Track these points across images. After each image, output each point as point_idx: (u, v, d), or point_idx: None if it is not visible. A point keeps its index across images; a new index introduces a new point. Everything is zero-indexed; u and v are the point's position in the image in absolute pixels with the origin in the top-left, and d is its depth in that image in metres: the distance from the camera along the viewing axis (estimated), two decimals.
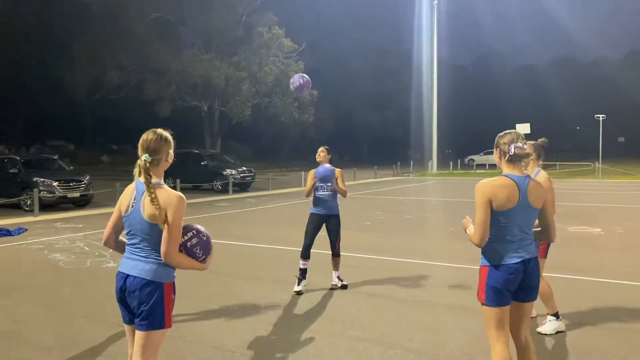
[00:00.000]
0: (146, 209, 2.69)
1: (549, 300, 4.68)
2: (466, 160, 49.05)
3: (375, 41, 59.65)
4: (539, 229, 3.31)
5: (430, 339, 4.64)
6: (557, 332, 4.67)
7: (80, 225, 11.84)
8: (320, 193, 6.28)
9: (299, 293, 6.07)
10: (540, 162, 4.61)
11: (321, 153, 6.41)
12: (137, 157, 2.81)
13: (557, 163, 38.86)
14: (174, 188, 5.21)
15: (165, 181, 2.89)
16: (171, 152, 2.88)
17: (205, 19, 34.05)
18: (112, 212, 2.94)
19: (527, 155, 3.18)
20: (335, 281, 6.39)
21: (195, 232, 2.83)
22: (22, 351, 4.42)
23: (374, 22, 59.77)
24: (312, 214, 6.33)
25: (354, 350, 4.39)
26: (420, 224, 12.25)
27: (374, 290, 6.26)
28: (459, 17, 65.56)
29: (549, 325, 4.69)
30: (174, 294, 2.85)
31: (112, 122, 49.05)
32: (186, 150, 24.98)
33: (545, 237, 3.33)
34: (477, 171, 39.15)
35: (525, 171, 3.20)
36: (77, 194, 15.47)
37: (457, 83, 60.27)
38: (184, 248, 2.79)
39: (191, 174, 21.40)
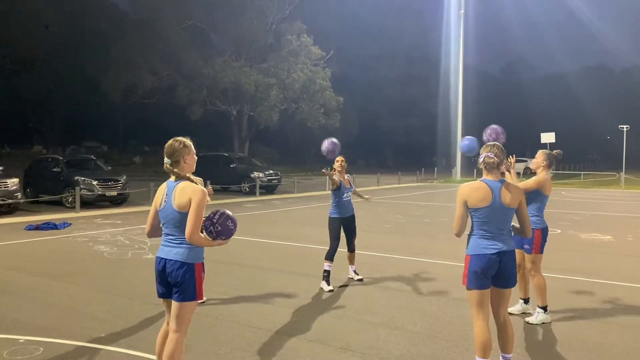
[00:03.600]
0: (176, 201, 3.40)
1: (541, 294, 5.25)
2: None
3: (401, 48, 60.21)
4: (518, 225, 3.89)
5: (432, 324, 5.27)
6: (543, 323, 5.24)
7: (119, 222, 12.75)
8: (345, 198, 6.79)
9: (331, 291, 6.45)
10: (551, 171, 5.14)
11: (342, 163, 6.84)
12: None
13: (582, 173, 38.66)
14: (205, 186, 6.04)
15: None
16: (189, 155, 3.49)
17: (237, 27, 35.23)
18: (147, 210, 3.65)
19: (495, 163, 3.69)
20: (352, 274, 7.06)
21: (218, 212, 3.47)
22: (81, 321, 5.22)
23: (400, 30, 60.30)
24: (333, 219, 6.74)
25: (364, 331, 5.05)
26: (437, 227, 12.80)
27: (386, 284, 6.91)
28: (488, 23, 65.59)
29: (536, 316, 5.27)
30: (204, 272, 3.58)
31: (145, 125, 50.57)
32: (216, 153, 25.98)
33: (521, 233, 3.89)
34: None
35: (516, 179, 3.83)
36: (114, 193, 16.46)
37: (484, 90, 60.25)
38: (211, 221, 3.39)
39: (220, 176, 22.29)
